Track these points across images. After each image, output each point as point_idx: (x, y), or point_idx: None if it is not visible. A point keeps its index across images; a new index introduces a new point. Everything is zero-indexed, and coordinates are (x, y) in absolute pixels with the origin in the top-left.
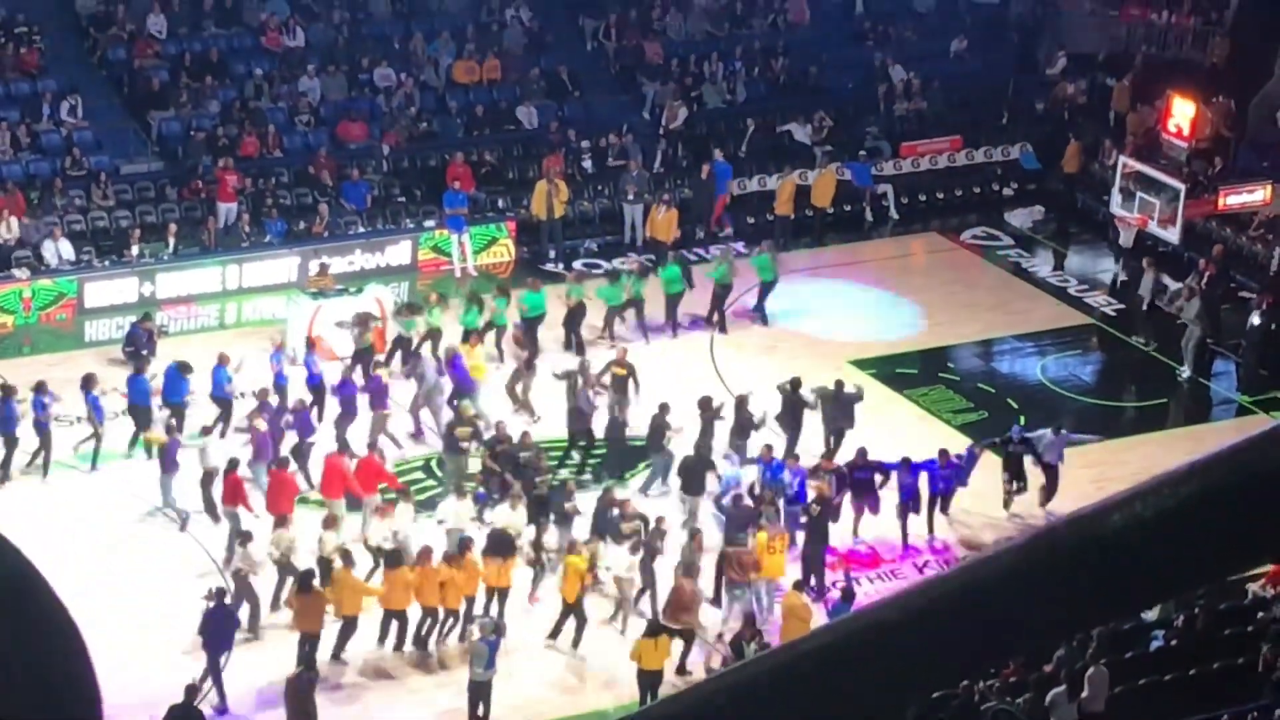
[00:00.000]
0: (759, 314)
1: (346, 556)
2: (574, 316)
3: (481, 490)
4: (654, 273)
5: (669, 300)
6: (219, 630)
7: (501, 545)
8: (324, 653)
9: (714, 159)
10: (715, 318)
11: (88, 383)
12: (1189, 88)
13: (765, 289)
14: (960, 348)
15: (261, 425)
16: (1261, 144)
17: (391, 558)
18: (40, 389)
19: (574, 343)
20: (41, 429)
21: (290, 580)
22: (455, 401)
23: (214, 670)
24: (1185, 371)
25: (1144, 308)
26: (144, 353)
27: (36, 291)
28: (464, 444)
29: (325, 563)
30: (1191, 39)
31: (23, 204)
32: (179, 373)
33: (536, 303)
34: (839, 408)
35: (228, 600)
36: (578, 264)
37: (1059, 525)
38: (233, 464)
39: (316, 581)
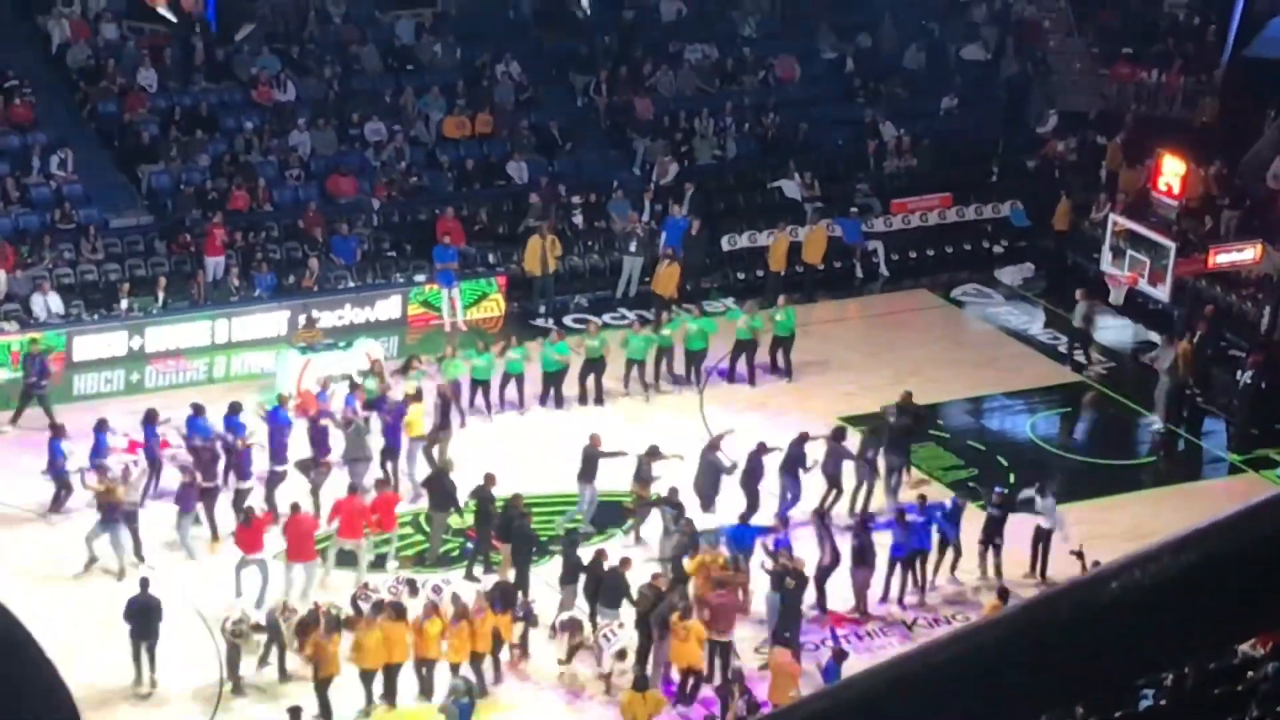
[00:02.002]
0: (784, 368)
1: (378, 608)
2: (591, 369)
3: (469, 545)
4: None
5: (690, 354)
6: (143, 618)
7: (506, 598)
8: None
9: (670, 214)
10: (743, 369)
11: (150, 418)
12: (1179, 147)
13: (783, 345)
14: (950, 405)
15: (184, 478)
16: (1252, 203)
17: (395, 611)
18: (102, 426)
19: (590, 396)
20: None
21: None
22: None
23: (137, 657)
24: (1157, 422)
25: (1073, 339)
26: (42, 381)
27: (25, 345)
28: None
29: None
30: (1182, 98)
31: (12, 257)
32: (233, 415)
33: (560, 352)
34: (893, 439)
35: (151, 590)
36: (568, 319)
37: (1056, 593)
38: (249, 511)
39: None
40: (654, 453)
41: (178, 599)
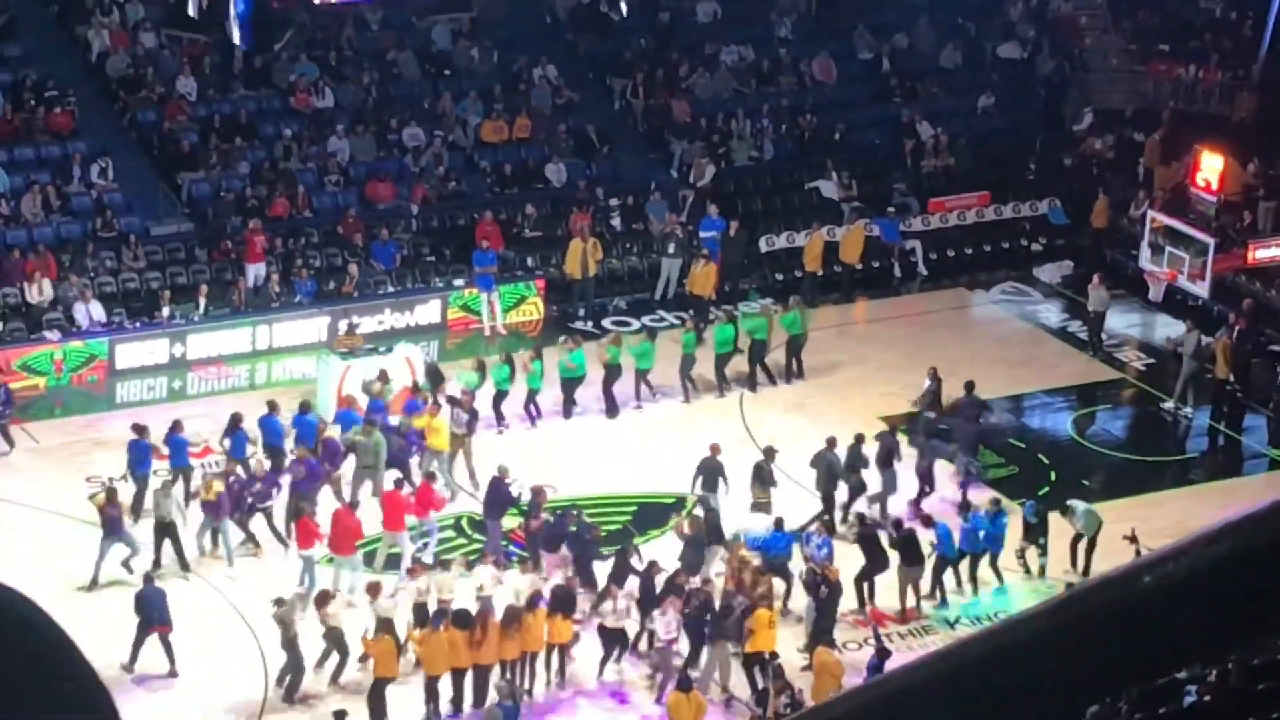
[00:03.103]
0: (796, 370)
1: (437, 616)
2: (609, 377)
3: (512, 549)
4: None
5: (718, 359)
6: (152, 607)
7: (563, 601)
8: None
9: (709, 214)
10: (756, 372)
11: (235, 423)
12: (1217, 142)
13: (795, 345)
14: (990, 403)
15: (219, 486)
16: None
17: (460, 618)
18: (176, 428)
19: (610, 403)
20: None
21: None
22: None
23: (150, 643)
24: (1186, 408)
25: (1091, 327)
26: (7, 410)
27: (68, 353)
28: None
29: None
30: (1219, 94)
31: (54, 266)
32: (303, 414)
33: (579, 361)
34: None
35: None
36: (606, 322)
37: (1090, 587)
38: (300, 510)
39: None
40: (770, 453)
41: (224, 604)
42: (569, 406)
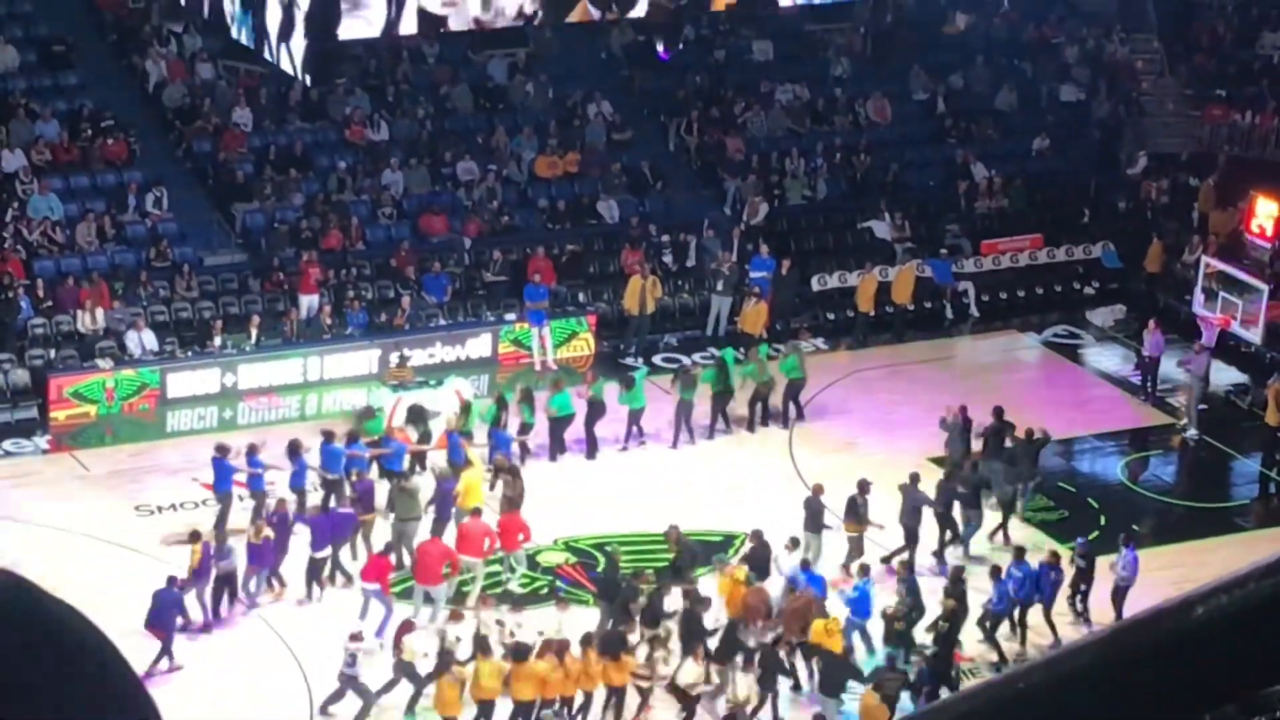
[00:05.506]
0: (796, 412)
1: (483, 643)
2: (592, 415)
3: (560, 584)
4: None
5: (715, 399)
6: (158, 609)
7: (614, 644)
8: None
9: (759, 254)
10: (792, 411)
11: (294, 449)
12: (1272, 188)
13: (794, 389)
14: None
15: (269, 533)
16: None
17: (519, 651)
18: (253, 451)
19: (592, 442)
20: (257, 490)
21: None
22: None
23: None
24: (1191, 430)
25: (1145, 372)
26: None
27: (119, 382)
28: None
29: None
30: (1275, 139)
31: (107, 294)
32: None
33: (563, 403)
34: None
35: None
36: (657, 359)
37: (1140, 619)
38: (387, 548)
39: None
40: (864, 486)
41: (273, 637)
42: (555, 449)
